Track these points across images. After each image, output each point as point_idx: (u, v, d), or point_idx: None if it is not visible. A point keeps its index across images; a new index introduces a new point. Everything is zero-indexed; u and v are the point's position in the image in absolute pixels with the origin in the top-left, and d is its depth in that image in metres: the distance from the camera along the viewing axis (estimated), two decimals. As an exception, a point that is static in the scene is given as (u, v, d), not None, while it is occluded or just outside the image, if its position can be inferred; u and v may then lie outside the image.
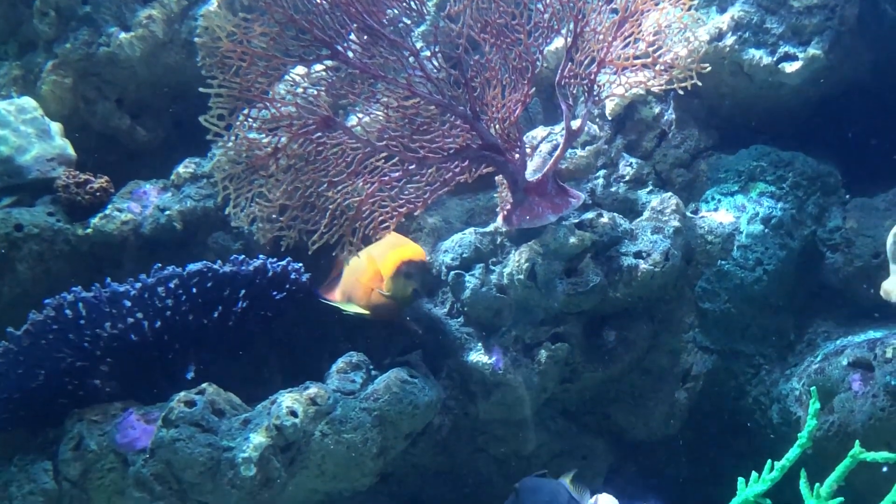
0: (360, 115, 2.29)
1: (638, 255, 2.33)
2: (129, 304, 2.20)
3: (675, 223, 2.37)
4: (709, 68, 2.31)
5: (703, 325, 2.43)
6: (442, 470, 2.45)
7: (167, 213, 2.56)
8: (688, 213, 2.45)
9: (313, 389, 2.21)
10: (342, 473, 2.21)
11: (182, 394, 2.17)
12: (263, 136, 2.24)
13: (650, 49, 2.32)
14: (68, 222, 2.54)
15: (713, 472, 2.45)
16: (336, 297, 2.44)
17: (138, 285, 2.21)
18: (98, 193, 2.54)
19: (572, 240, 2.29)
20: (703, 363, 2.44)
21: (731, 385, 2.46)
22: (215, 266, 2.29)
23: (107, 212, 2.54)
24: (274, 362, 2.57)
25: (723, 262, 2.42)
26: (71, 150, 2.62)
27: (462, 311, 2.39)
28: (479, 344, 2.36)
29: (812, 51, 2.44)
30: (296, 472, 2.17)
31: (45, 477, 2.21)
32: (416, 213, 2.34)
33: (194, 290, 2.26)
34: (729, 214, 2.45)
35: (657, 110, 2.58)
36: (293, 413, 2.14)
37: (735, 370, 2.44)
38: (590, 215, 2.36)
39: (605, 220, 2.34)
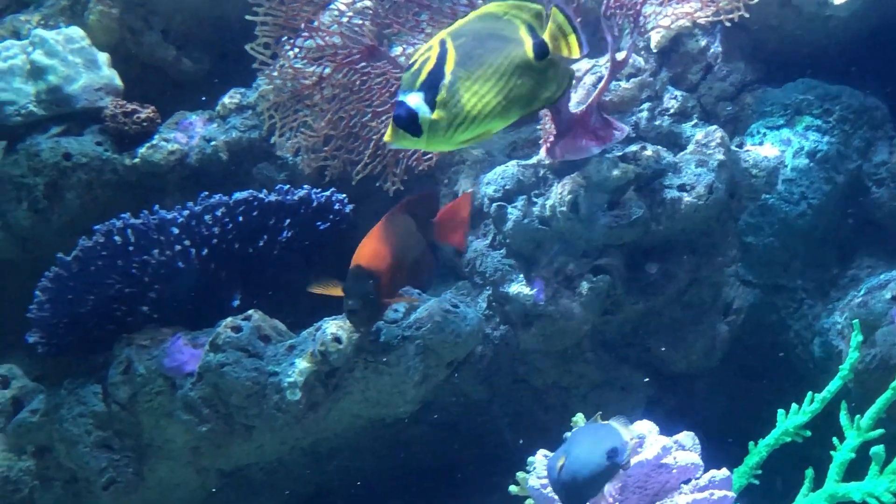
0: (405, 45, 2.29)
1: (682, 187, 2.32)
2: (176, 231, 2.24)
3: (720, 156, 2.36)
4: (756, 0, 2.29)
5: (745, 259, 2.43)
6: (482, 399, 2.47)
7: (213, 143, 2.58)
8: (732, 147, 2.43)
9: (357, 317, 2.24)
10: (384, 400, 2.25)
11: (229, 319, 2.21)
12: (308, 65, 2.25)
13: (697, -21, 2.30)
14: (116, 152, 2.57)
15: (752, 406, 2.46)
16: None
17: (185, 213, 2.25)
18: (145, 124, 2.57)
19: (615, 172, 2.29)
20: (745, 297, 2.44)
21: (773, 319, 2.46)
22: (261, 195, 2.32)
23: (153, 142, 2.56)
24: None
25: (767, 196, 2.41)
26: (118, 81, 2.64)
27: (504, 243, 2.41)
28: (521, 275, 2.37)
29: (862, -18, 2.41)
30: (339, 398, 2.21)
31: (94, 399, 2.27)
32: (459, 144, 2.35)
33: (240, 219, 2.29)
34: (774, 148, 2.44)
35: (703, 43, 2.56)
36: (337, 339, 2.17)
37: (777, 304, 2.44)
38: (633, 148, 2.35)
39: (648, 152, 2.34)
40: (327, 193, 2.41)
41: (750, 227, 2.42)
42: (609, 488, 1.66)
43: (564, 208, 2.29)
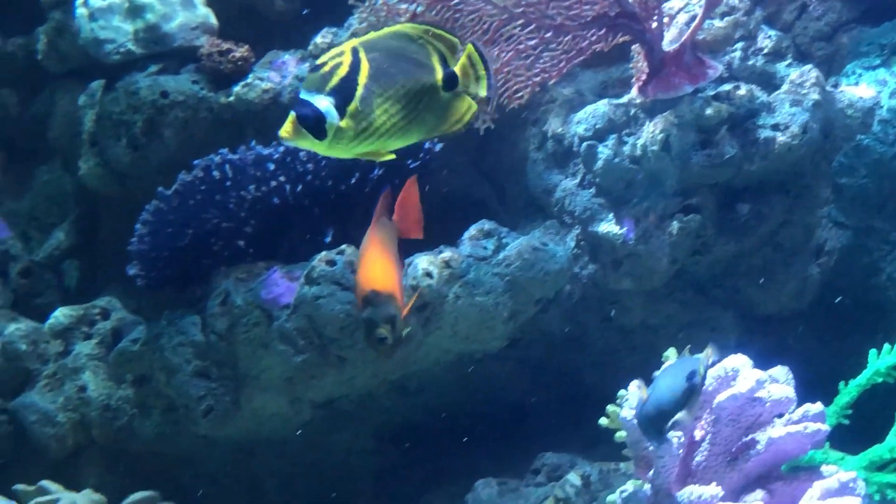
0: (498, -17, 2.29)
1: (775, 127, 2.30)
2: (272, 167, 2.28)
3: (815, 96, 2.33)
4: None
5: (838, 201, 2.41)
6: (569, 337, 2.49)
7: (305, 82, 2.61)
8: (827, 87, 2.40)
9: (447, 253, 2.27)
10: (474, 335, 2.28)
11: (323, 253, 2.25)
12: (401, 2, 2.27)
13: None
14: (211, 90, 2.61)
15: (842, 349, 2.45)
16: None
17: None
18: (239, 63, 2.60)
19: (708, 111, 2.28)
20: (838, 239, 2.42)
21: (865, 262, 2.44)
22: (353, 131, 2.34)
23: (248, 81, 2.60)
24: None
25: (862, 137, 2.38)
26: (213, 19, 2.67)
27: (593, 182, 2.41)
28: (611, 214, 2.38)
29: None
30: (430, 332, 2.24)
31: (193, 330, 2.33)
32: (550, 83, 2.36)
33: (334, 156, 2.32)
34: (870, 89, 2.40)
35: (799, -20, 2.53)
36: (428, 274, 2.21)
37: (870, 246, 2.42)
38: (727, 87, 2.33)
39: (742, 91, 2.32)
40: (418, 131, 2.43)
41: (844, 168, 2.40)
42: (702, 420, 1.68)
43: (656, 147, 2.29)
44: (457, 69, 1.63)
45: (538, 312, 2.39)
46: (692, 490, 1.61)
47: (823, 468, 1.65)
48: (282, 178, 2.29)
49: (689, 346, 1.80)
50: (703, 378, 1.57)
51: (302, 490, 2.69)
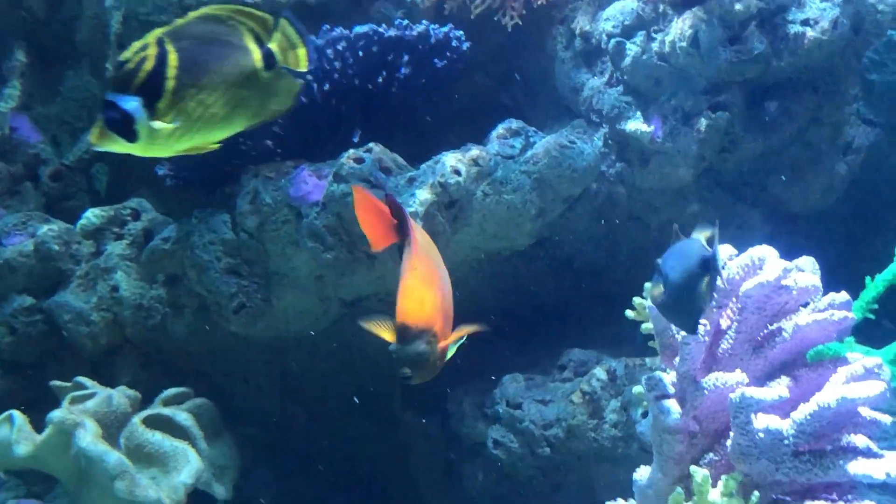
0: None
1: (805, 22, 2.28)
2: (299, 65, 2.28)
3: (846, -9, 2.30)
4: None
5: (867, 98, 2.39)
6: (597, 236, 2.51)
7: (333, -21, 2.59)
8: (858, -18, 2.38)
9: (475, 151, 2.27)
10: (502, 232, 2.30)
11: (351, 151, 2.26)
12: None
13: None
14: (237, -10, 2.59)
15: (870, 248, 2.45)
16: None
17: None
18: (268, -38, 2.58)
19: (738, 6, 2.25)
20: (866, 136, 2.41)
21: (893, 160, 2.43)
22: (380, 29, 2.34)
23: (278, -25, 2.58)
24: (433, 132, 2.62)
25: (892, 32, 2.35)
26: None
27: (621, 80, 2.40)
28: (638, 112, 2.37)
29: None
30: (458, 229, 2.26)
31: (224, 228, 2.35)
32: (577, -21, 2.34)
33: (360, 53, 2.32)
34: (902, -17, 2.37)
35: None
36: (457, 172, 2.22)
37: (898, 144, 2.42)
38: (757, -19, 2.31)
39: (772, -14, 2.29)
40: (445, 30, 2.42)
41: (874, 65, 2.37)
42: (727, 311, 1.69)
43: (684, 43, 2.27)
44: (273, 46, 1.55)
45: (566, 211, 2.40)
46: (717, 377, 1.63)
47: (849, 355, 1.66)
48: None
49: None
50: (715, 251, 1.56)
51: (334, 389, 2.73)
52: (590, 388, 2.29)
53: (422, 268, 1.66)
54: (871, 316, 2.21)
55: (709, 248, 1.57)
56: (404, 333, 1.61)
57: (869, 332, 2.14)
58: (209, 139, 1.55)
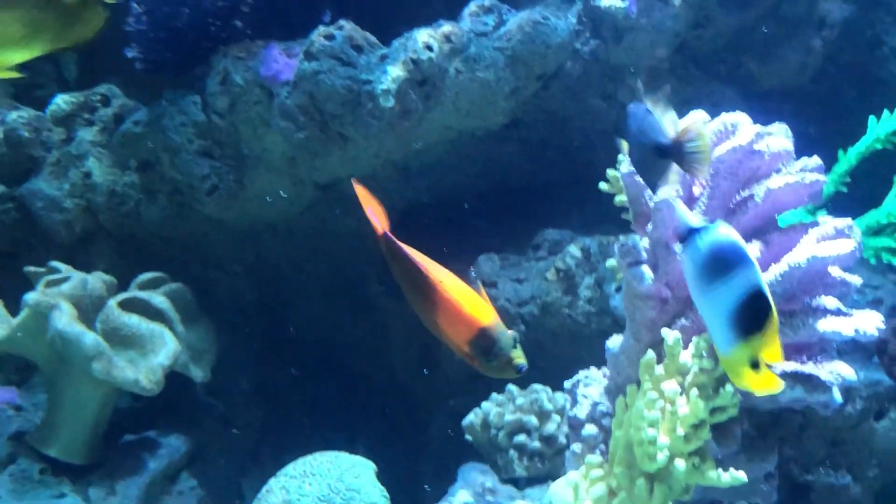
0: None
1: None
2: (267, -58, 2.24)
3: None
4: None
5: (843, -29, 2.37)
6: (571, 115, 2.49)
7: None
8: None
9: (447, 27, 2.24)
10: (475, 111, 2.28)
11: (321, 28, 2.23)
12: None
13: None
14: None
15: (845, 125, 2.44)
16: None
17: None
18: None
19: None
20: (841, 11, 2.39)
21: (868, 35, 2.42)
22: None
23: None
24: (404, 11, 2.58)
25: None
26: None
27: (595, -44, 2.37)
28: (613, -12, 2.34)
29: None
30: (431, 108, 2.24)
31: (194, 109, 2.32)
32: None
33: (329, -70, 2.28)
34: None
35: None
36: (429, 48, 2.19)
37: (873, 19, 2.40)
38: None
39: None
40: None
41: (849, -63, 2.35)
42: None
43: (659, -85, 2.24)
44: None
45: (540, 89, 2.38)
46: (690, 241, 1.64)
47: (820, 219, 1.67)
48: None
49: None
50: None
51: (310, 275, 2.74)
52: (564, 265, 2.30)
53: (446, 278, 1.63)
54: (844, 189, 2.23)
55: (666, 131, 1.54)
56: (487, 337, 1.57)
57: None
58: (6, 59, 1.50)
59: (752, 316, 1.40)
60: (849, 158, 2.20)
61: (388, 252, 1.66)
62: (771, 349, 1.42)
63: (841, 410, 1.97)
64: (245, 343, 2.73)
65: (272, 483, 2.00)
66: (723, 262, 1.42)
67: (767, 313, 1.39)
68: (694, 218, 1.48)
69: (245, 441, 2.60)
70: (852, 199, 2.22)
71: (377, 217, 1.70)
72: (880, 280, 2.25)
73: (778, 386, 1.43)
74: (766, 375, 1.43)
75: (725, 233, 1.43)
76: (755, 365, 1.42)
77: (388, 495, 2.04)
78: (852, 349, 2.04)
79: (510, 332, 1.59)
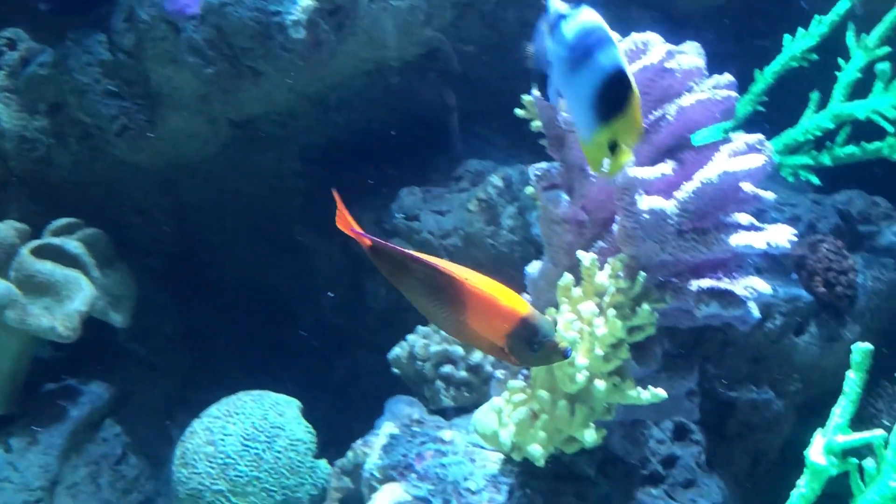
0: None
1: None
2: None
3: None
4: None
5: None
6: (489, 44, 2.46)
7: None
8: None
9: (358, -44, 2.20)
10: (390, 41, 2.24)
11: (227, -41, 2.17)
12: None
13: None
14: None
15: (761, 45, 2.44)
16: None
17: None
18: None
19: None
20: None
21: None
22: None
23: None
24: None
25: None
26: None
27: None
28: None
29: None
30: (344, 38, 2.19)
31: (100, 48, 2.26)
32: None
33: None
34: None
35: None
36: (340, -24, 2.15)
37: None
38: None
39: None
40: None
41: None
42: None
43: None
44: None
45: (456, 18, 2.35)
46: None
47: (732, 135, 1.66)
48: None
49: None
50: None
51: (233, 217, 2.70)
52: (486, 195, 2.29)
53: (469, 275, 1.49)
54: (761, 108, 2.24)
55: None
56: (529, 326, 1.46)
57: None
58: None
59: (613, 97, 1.35)
60: (765, 77, 2.21)
61: (387, 260, 1.52)
62: (631, 132, 1.36)
63: (761, 327, 1.98)
64: (168, 287, 2.69)
65: (196, 424, 1.98)
66: (585, 46, 1.35)
67: (628, 94, 1.34)
68: (562, 5, 1.41)
69: (171, 385, 2.57)
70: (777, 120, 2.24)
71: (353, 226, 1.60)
72: (799, 198, 2.26)
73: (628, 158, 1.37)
74: (622, 154, 1.37)
75: (589, 17, 1.36)
76: (614, 148, 1.36)
77: (314, 431, 2.03)
78: (772, 266, 2.06)
79: (548, 316, 1.52)
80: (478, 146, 2.51)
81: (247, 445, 1.89)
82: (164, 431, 2.44)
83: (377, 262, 1.57)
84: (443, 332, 2.13)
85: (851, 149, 2.16)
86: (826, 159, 2.18)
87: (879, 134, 2.12)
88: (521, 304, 1.47)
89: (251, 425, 1.92)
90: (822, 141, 2.20)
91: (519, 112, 1.96)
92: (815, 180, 2.19)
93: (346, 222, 1.55)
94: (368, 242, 1.53)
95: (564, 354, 1.48)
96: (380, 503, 1.74)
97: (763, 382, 2.02)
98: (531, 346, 1.47)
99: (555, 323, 1.52)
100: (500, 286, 1.49)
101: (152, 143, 2.32)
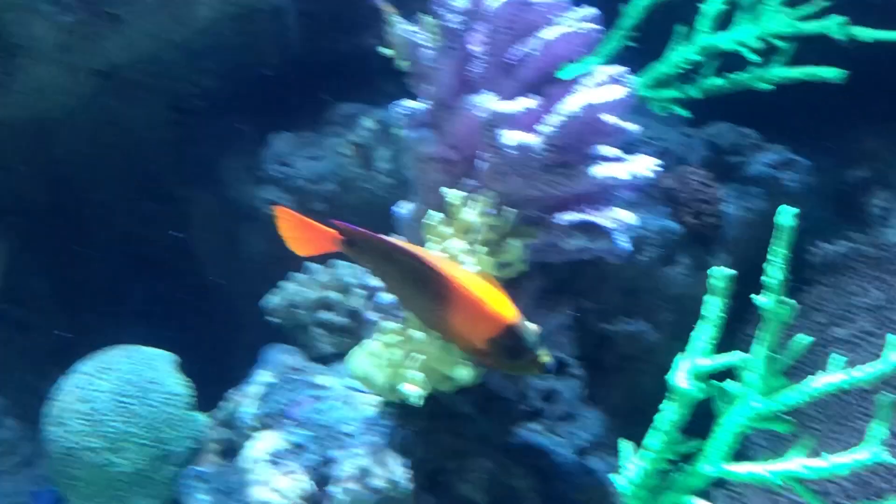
0: None
1: None
2: None
3: None
4: None
5: None
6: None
7: None
8: None
9: None
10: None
11: None
12: None
13: None
14: None
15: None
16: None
17: None
18: None
19: None
20: None
21: None
22: None
23: None
24: None
25: None
26: None
27: None
28: None
29: None
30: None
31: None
32: None
33: None
34: None
35: None
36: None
37: None
38: None
39: None
40: None
41: None
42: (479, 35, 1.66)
43: None
44: None
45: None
46: (468, 99, 1.63)
47: (594, 68, 1.67)
48: None
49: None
50: None
51: (105, 172, 2.63)
52: (359, 138, 2.26)
53: (456, 271, 1.48)
54: (633, 44, 2.24)
55: None
56: (513, 335, 1.44)
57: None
58: None
59: None
60: (634, 11, 2.21)
61: (369, 250, 1.51)
62: None
63: (634, 260, 2.01)
64: (40, 246, 2.61)
65: (66, 382, 1.93)
66: None
67: None
68: None
69: (45, 345, 2.51)
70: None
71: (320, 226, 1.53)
72: (669, 132, 2.29)
73: None
74: None
75: None
76: None
77: (190, 384, 2.00)
78: (643, 200, 2.08)
79: (533, 327, 1.47)
80: (351, 88, 2.47)
81: (120, 401, 1.85)
82: (38, 392, 2.37)
83: (355, 254, 1.53)
84: (322, 278, 2.11)
85: (718, 80, 2.19)
86: (694, 92, 2.20)
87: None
88: (507, 310, 1.44)
89: (124, 381, 1.88)
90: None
91: (384, 50, 1.93)
92: (685, 113, 2.21)
93: (309, 225, 1.51)
94: (344, 235, 1.50)
95: (546, 369, 1.46)
96: (255, 451, 1.72)
97: (638, 314, 2.05)
98: (512, 354, 1.45)
99: (539, 334, 1.46)
100: (487, 286, 1.47)
101: (12, 95, 2.24)
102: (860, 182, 2.49)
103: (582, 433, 2.04)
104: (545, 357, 1.45)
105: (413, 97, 1.76)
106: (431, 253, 1.50)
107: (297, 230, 1.55)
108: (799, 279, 2.26)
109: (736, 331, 2.08)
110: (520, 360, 1.46)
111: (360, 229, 1.51)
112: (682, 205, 2.06)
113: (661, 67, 2.20)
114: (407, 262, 1.47)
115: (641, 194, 2.06)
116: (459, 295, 1.44)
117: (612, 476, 1.53)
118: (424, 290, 1.48)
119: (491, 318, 1.44)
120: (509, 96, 1.64)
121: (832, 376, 1.34)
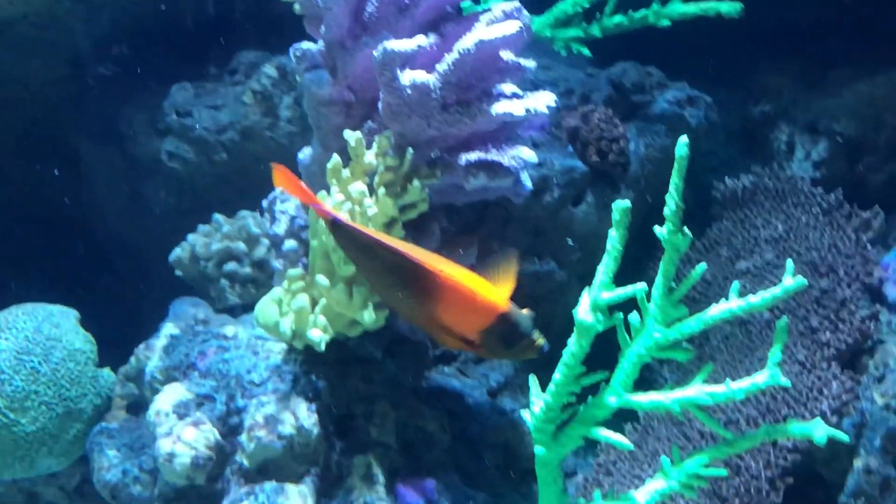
0: None
1: None
2: None
3: None
4: None
5: None
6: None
7: None
8: None
9: None
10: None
11: None
12: None
13: None
14: None
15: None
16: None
17: None
18: None
19: None
20: None
21: None
22: None
23: None
24: None
25: None
26: None
27: None
28: None
29: None
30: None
31: None
32: None
33: None
34: None
35: None
36: None
37: None
38: None
39: None
40: None
41: None
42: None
43: None
44: None
45: None
46: (364, 40, 1.60)
47: (490, 5, 1.65)
48: None
49: None
50: None
51: (2, 130, 2.55)
52: (260, 86, 2.23)
53: (442, 264, 1.42)
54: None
55: None
56: (508, 322, 1.41)
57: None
58: None
59: None
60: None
61: (350, 241, 1.46)
62: None
63: (540, 200, 2.01)
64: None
65: (-35, 343, 1.88)
66: None
67: None
68: None
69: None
70: None
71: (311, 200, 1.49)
72: (573, 72, 2.28)
73: None
74: None
75: None
76: None
77: (93, 341, 1.96)
78: (548, 140, 2.08)
79: (526, 311, 1.43)
80: (254, 38, 2.43)
81: (21, 359, 1.81)
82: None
83: (338, 240, 1.49)
84: (226, 229, 2.08)
85: (619, 18, 2.19)
86: (596, 30, 2.20)
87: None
88: (499, 298, 1.41)
89: (25, 339, 1.83)
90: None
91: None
92: (587, 52, 2.21)
93: (304, 194, 1.47)
94: (330, 218, 1.46)
95: (541, 351, 1.44)
96: (161, 404, 1.70)
97: (545, 254, 2.05)
98: (507, 342, 1.42)
99: (531, 318, 1.43)
100: (475, 276, 1.43)
101: None
102: (764, 117, 2.51)
103: (493, 374, 2.06)
104: (540, 340, 1.43)
105: (313, 42, 1.74)
106: (415, 248, 1.46)
107: (290, 192, 1.52)
108: (706, 215, 2.28)
109: (647, 268, 2.11)
110: (515, 347, 1.44)
111: (346, 221, 1.48)
112: (587, 144, 2.06)
113: (563, 6, 2.19)
114: (389, 257, 1.44)
115: (546, 134, 2.06)
116: (448, 289, 1.40)
117: (521, 412, 1.53)
118: (410, 287, 1.44)
119: (483, 308, 1.41)
120: (406, 35, 1.62)
121: (729, 303, 1.35)
